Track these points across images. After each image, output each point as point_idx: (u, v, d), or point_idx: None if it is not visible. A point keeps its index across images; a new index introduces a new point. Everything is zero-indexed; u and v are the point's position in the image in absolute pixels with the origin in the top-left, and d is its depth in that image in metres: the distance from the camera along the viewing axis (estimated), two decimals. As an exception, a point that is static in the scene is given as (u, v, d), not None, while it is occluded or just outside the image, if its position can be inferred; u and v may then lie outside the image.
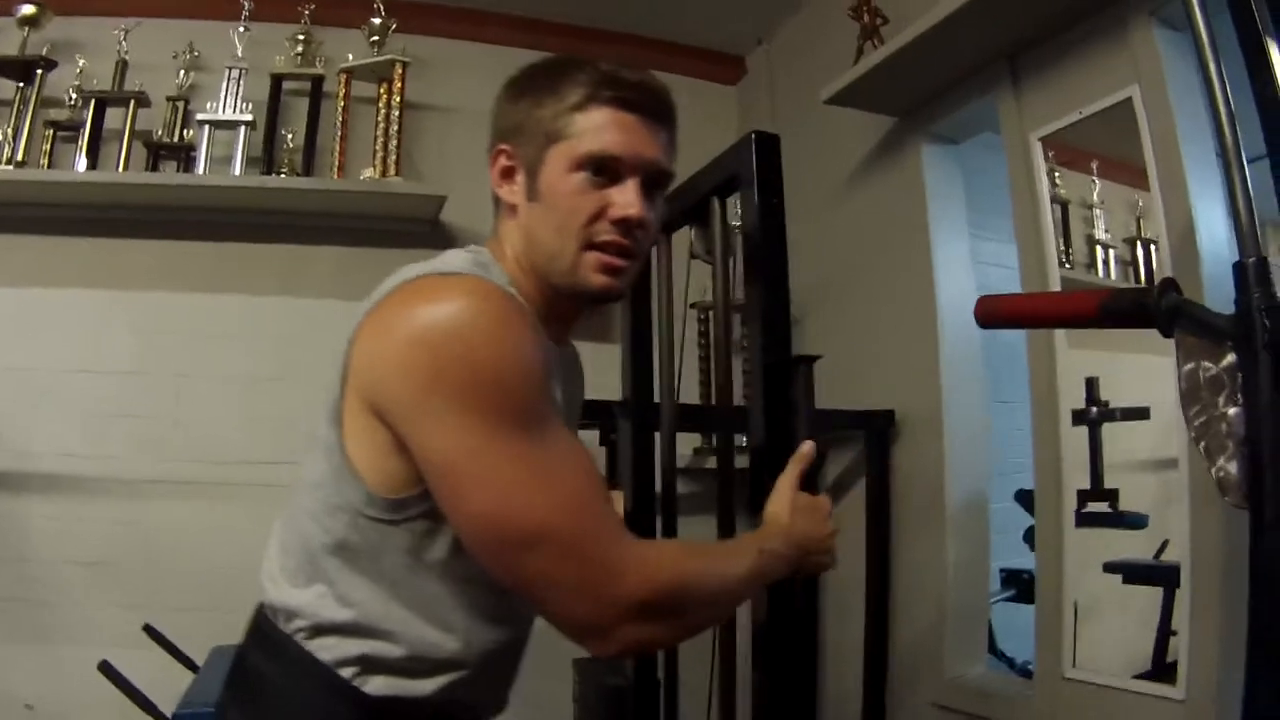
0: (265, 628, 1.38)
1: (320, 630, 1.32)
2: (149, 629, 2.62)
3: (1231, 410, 1.25)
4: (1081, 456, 2.33)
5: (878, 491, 2.97)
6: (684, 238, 1.98)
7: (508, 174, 1.47)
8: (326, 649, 1.31)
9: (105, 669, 2.15)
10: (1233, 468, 1.26)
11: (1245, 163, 1.29)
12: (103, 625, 3.08)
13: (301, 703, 1.32)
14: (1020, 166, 2.51)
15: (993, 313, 1.50)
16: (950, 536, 2.75)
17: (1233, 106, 1.32)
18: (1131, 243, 2.35)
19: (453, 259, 1.36)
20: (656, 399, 2.02)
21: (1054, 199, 2.45)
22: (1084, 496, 2.32)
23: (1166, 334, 1.32)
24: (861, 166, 3.24)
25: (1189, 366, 1.30)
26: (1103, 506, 2.28)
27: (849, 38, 2.97)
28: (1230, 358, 1.26)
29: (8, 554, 3.20)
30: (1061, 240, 2.44)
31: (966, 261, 2.93)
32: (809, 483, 1.55)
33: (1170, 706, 2.03)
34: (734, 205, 1.77)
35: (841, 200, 3.35)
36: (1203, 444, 1.29)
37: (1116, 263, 2.39)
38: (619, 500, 2.13)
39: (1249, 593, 1.25)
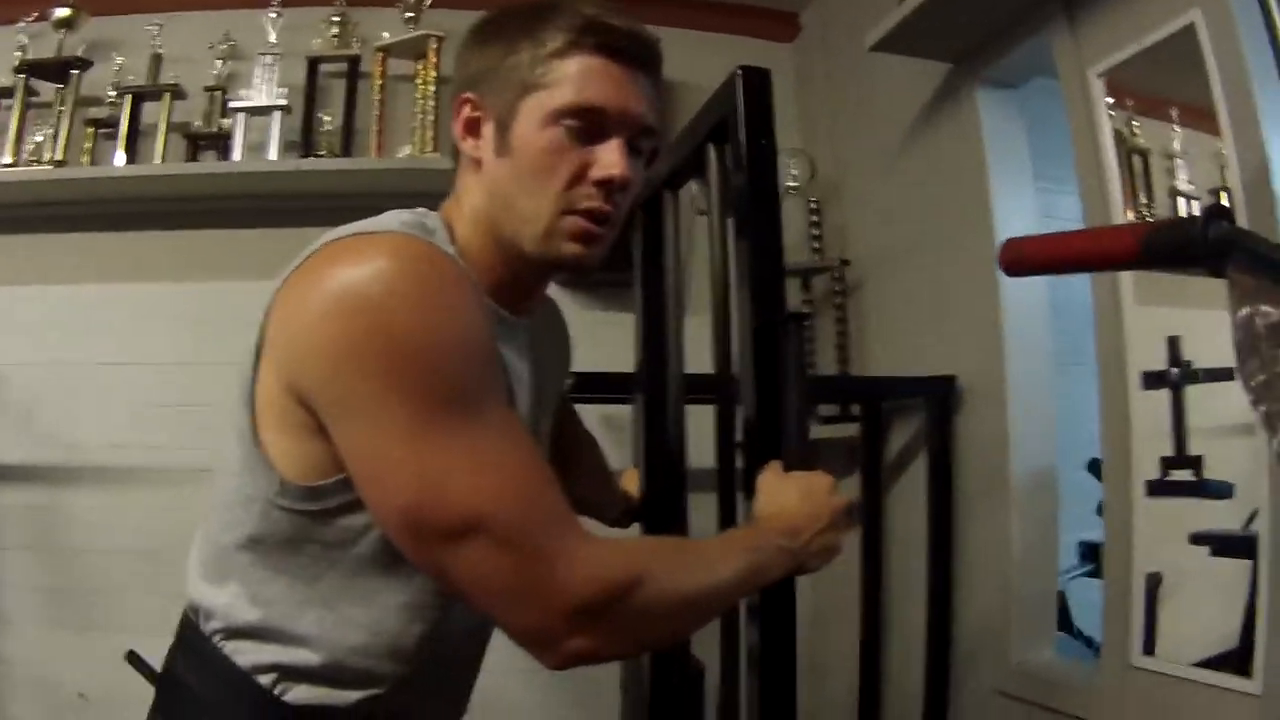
0: (187, 629, 1.27)
1: (235, 633, 1.20)
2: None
3: (1302, 367, 1.05)
4: (1154, 422, 2.14)
5: (939, 463, 2.80)
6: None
7: (471, 126, 1.32)
8: (242, 653, 1.19)
9: (132, 658, 2.10)
10: (1304, 438, 1.06)
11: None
12: (151, 613, 3.00)
13: (218, 713, 1.20)
14: (1079, 107, 2.32)
15: (1019, 257, 1.31)
16: (1015, 511, 2.56)
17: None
18: (1216, 193, 2.15)
19: (383, 218, 1.20)
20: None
21: (1132, 149, 2.27)
22: (1167, 464, 2.12)
23: (1217, 273, 1.11)
24: (919, 120, 3.06)
25: (1244, 312, 1.09)
26: (1186, 474, 2.08)
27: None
28: (1299, 301, 1.06)
29: (59, 544, 3.27)
30: (1144, 193, 2.25)
31: (1031, 214, 2.74)
32: (803, 451, 1.39)
33: (1245, 701, 1.82)
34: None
35: (900, 157, 3.18)
36: (1263, 408, 1.08)
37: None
38: (633, 479, 2.00)
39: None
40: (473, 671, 1.43)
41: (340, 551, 1.18)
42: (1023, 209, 2.73)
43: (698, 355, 1.84)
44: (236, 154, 3.29)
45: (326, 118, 3.42)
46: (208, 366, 3.26)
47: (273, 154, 3.29)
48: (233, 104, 3.34)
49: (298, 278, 1.14)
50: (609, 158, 1.25)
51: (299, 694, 1.18)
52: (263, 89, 3.33)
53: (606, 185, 1.25)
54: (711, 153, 1.64)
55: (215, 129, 3.36)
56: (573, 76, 1.24)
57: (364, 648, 1.20)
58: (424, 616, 1.24)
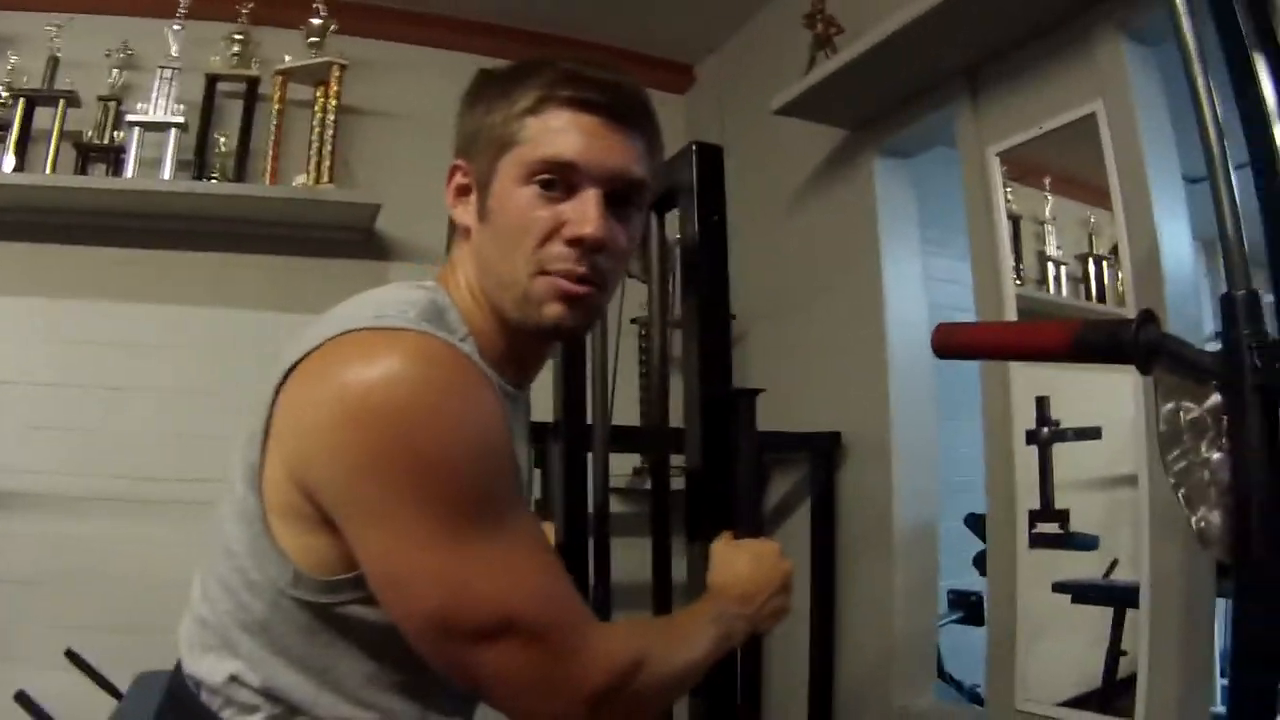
0: (184, 697, 1.22)
1: (242, 709, 1.17)
2: (71, 654, 2.49)
3: (1215, 455, 1.17)
4: (1033, 476, 2.28)
5: (822, 516, 2.89)
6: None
7: (462, 192, 1.28)
8: None
9: (21, 699, 2.04)
10: (1215, 517, 1.17)
11: (1233, 186, 1.20)
12: (28, 646, 2.94)
13: None
14: (977, 182, 2.45)
15: (951, 343, 1.41)
16: (898, 562, 2.69)
17: (1221, 124, 1.22)
18: (1084, 259, 2.30)
19: (398, 304, 1.15)
20: (592, 419, 1.91)
21: (1006, 214, 2.41)
22: (1034, 517, 2.27)
23: (1145, 371, 1.24)
24: (812, 180, 3.17)
25: (1169, 407, 1.21)
26: (1053, 527, 2.23)
27: (802, 48, 2.89)
28: (1215, 399, 1.17)
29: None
30: (1012, 256, 2.39)
31: (918, 278, 2.86)
32: (750, 520, 1.46)
33: (1127, 741, 1.96)
34: (671, 219, 1.64)
35: (791, 215, 3.29)
36: (1182, 491, 1.20)
37: (1068, 279, 2.35)
38: (550, 531, 2.03)
39: (1230, 659, 1.17)
40: None
41: (351, 643, 1.16)
42: (911, 272, 2.85)
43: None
44: (129, 169, 3.20)
45: (222, 138, 3.35)
46: (89, 388, 3.18)
47: (166, 173, 3.20)
48: (130, 117, 3.24)
49: (310, 369, 1.10)
50: (581, 213, 1.19)
51: None
52: (159, 103, 3.25)
53: (578, 243, 1.20)
54: (653, 220, 1.68)
55: (108, 141, 3.27)
56: (544, 131, 1.20)
57: None
58: (441, 701, 1.24)
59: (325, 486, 1.07)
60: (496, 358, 1.25)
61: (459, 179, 1.29)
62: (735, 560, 1.42)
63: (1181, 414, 1.20)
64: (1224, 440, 1.16)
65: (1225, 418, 1.15)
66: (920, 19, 2.27)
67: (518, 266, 1.21)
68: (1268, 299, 1.16)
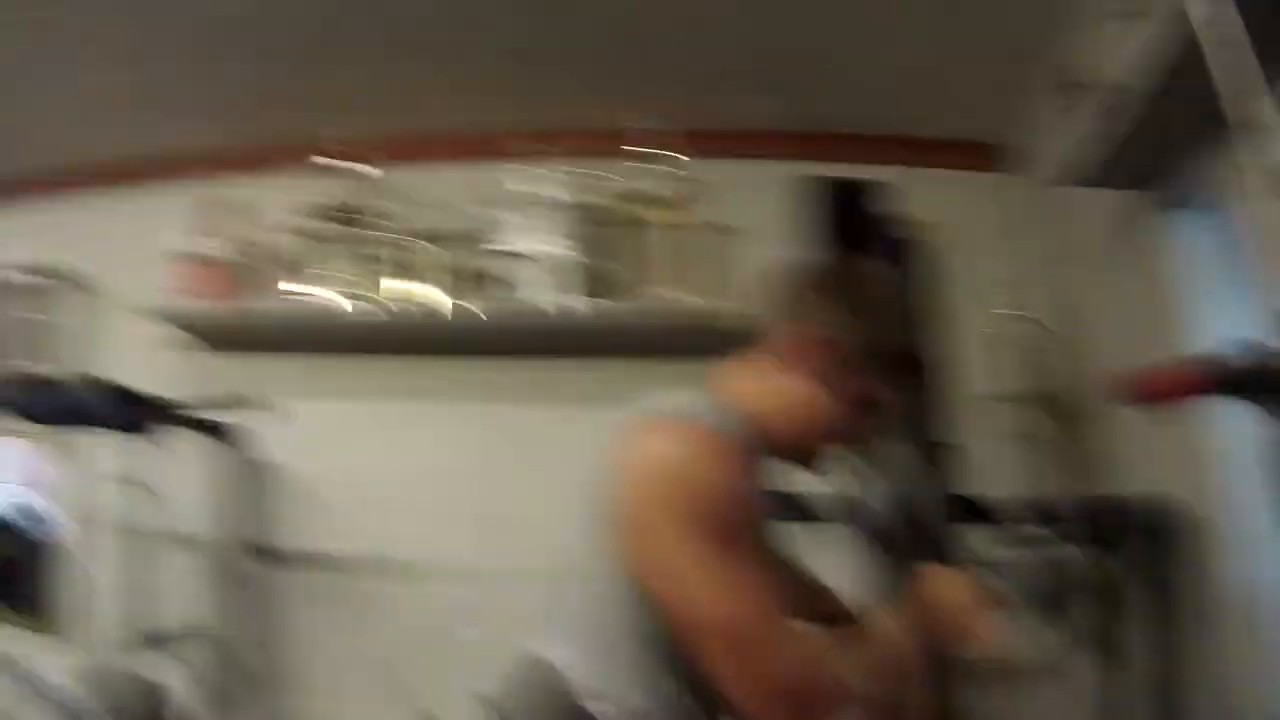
0: (554, 688, 1.67)
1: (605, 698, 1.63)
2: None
3: None
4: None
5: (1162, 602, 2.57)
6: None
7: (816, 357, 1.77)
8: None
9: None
10: None
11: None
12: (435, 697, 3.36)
13: None
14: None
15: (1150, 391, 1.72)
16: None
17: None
18: None
19: (688, 402, 1.70)
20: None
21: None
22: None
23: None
24: (1106, 247, 3.13)
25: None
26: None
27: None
28: None
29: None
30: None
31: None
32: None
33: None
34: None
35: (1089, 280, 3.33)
36: None
37: None
38: None
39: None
40: None
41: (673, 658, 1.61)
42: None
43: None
44: (519, 293, 3.66)
45: (593, 263, 3.72)
46: (490, 480, 3.75)
47: (549, 296, 3.62)
48: (516, 248, 3.69)
49: (630, 440, 1.65)
50: None
51: None
52: (541, 236, 3.68)
53: None
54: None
55: (488, 273, 3.75)
56: None
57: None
58: None
59: (630, 517, 1.59)
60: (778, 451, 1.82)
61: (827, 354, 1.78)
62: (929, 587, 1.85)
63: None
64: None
65: None
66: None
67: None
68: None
